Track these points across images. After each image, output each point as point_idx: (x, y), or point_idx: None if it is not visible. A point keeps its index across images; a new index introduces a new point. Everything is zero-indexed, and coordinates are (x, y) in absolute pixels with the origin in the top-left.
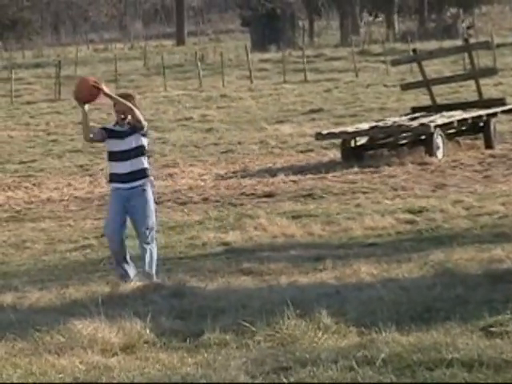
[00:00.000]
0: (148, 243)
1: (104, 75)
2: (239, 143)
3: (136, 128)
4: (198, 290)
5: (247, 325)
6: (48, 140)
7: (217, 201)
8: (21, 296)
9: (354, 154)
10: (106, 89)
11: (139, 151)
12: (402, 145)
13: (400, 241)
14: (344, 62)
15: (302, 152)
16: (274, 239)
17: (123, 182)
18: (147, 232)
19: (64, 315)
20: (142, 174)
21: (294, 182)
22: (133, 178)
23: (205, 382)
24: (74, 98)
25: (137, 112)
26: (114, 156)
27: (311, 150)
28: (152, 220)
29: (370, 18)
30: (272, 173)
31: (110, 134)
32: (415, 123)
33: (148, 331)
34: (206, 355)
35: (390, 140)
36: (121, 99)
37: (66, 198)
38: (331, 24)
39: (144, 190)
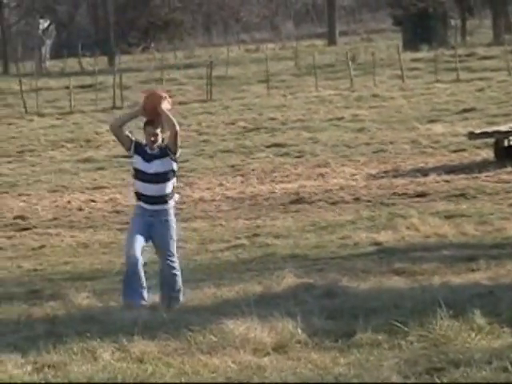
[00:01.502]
0: (174, 267)
1: (255, 75)
2: (391, 143)
3: (168, 152)
4: (349, 289)
5: (399, 325)
6: (200, 140)
7: (368, 200)
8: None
9: (508, 154)
10: (166, 106)
11: (166, 176)
12: None
13: None
14: (497, 61)
15: (454, 151)
16: (427, 239)
17: (147, 202)
18: (172, 256)
19: (216, 315)
20: (165, 198)
21: (446, 181)
22: (156, 202)
23: (357, 382)
24: (145, 107)
25: (178, 132)
26: (139, 175)
27: (464, 150)
28: (174, 246)
29: None
30: (424, 172)
31: (139, 151)
32: None
33: (300, 331)
34: (358, 355)
35: None
36: (171, 117)
37: (217, 198)
38: (484, 22)
39: (166, 219)
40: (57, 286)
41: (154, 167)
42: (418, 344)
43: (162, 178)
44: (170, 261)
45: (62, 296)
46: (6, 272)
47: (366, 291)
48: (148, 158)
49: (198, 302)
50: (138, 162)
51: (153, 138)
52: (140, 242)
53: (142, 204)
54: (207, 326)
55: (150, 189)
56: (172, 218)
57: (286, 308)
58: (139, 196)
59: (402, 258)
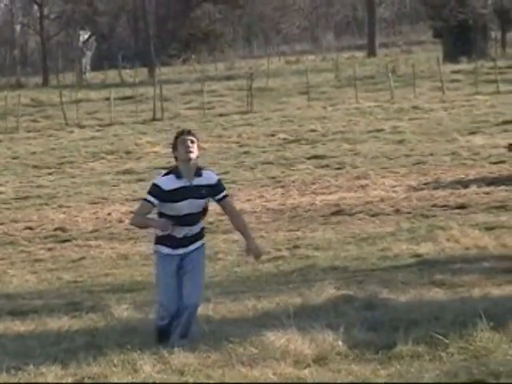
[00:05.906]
0: (191, 322)
1: (295, 87)
2: (431, 154)
3: (214, 192)
4: (390, 301)
5: (440, 337)
6: (240, 152)
7: (409, 212)
8: (213, 307)
9: None
10: None
11: (204, 213)
12: None
13: None
14: None
15: (494, 163)
16: (467, 251)
17: (179, 246)
18: (195, 306)
19: (256, 327)
20: (201, 234)
21: (486, 193)
22: (191, 242)
23: None
24: None
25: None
26: (171, 219)
27: (504, 162)
28: (202, 292)
29: None
30: (464, 184)
31: (172, 196)
32: None
33: (340, 343)
34: (398, 367)
35: None
36: None
37: (257, 210)
38: None
39: (199, 252)
40: (97, 297)
41: (195, 206)
42: (458, 356)
43: (201, 216)
44: (192, 311)
45: (102, 308)
46: (47, 284)
47: (406, 303)
48: (189, 195)
49: (238, 314)
50: (172, 207)
51: (191, 154)
52: (174, 285)
53: (171, 251)
54: (247, 338)
55: (185, 230)
56: (203, 259)
57: (326, 320)
58: (169, 241)
59: (443, 270)
